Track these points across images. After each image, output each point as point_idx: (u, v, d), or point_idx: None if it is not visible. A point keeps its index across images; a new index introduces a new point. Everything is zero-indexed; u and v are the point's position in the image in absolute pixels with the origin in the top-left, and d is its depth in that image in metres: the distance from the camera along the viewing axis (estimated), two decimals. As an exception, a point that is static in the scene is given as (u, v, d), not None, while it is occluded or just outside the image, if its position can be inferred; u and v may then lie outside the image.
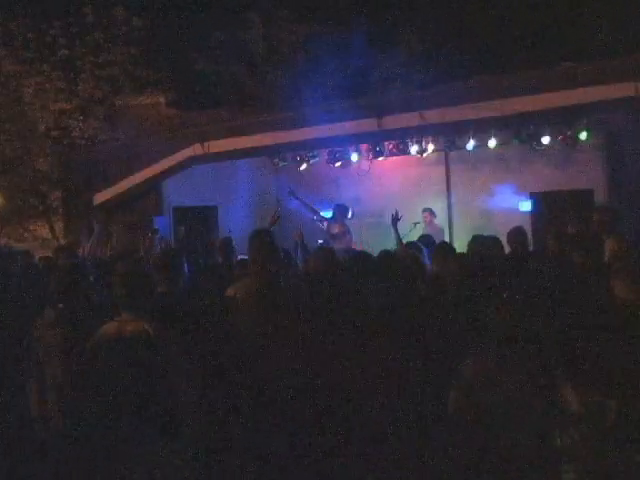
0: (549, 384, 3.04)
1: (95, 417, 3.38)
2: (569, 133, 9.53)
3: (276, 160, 12.12)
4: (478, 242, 5.55)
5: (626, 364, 3.16)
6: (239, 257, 6.12)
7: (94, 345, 3.48)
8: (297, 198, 9.68)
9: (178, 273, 4.13)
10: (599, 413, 3.12)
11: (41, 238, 13.90)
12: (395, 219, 6.54)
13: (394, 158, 11.25)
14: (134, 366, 3.33)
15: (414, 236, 7.80)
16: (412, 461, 3.18)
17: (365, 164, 11.49)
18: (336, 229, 9.18)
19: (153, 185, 11.63)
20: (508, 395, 2.97)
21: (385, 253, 4.34)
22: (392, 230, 6.37)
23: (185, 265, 4.25)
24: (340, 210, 9.52)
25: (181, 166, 11.15)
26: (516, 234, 5.97)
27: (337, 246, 7.52)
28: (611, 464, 2.99)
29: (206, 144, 10.60)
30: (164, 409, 3.32)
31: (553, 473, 3.04)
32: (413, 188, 11.32)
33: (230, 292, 4.18)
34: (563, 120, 9.13)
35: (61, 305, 3.90)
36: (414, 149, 10.52)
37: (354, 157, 11.27)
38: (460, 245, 7.18)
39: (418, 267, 4.52)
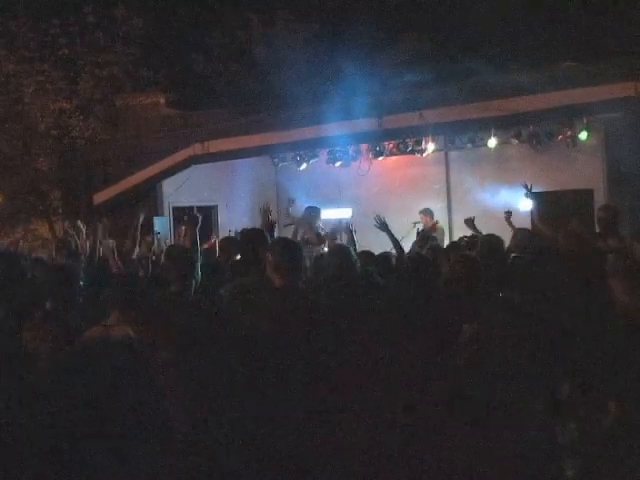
0: (549, 381, 3.06)
1: (77, 424, 3.35)
2: (569, 133, 9.53)
3: (276, 160, 12.12)
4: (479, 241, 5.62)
5: (625, 365, 3.17)
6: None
7: (77, 349, 3.44)
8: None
9: (191, 272, 4.11)
10: (599, 414, 3.13)
11: (41, 238, 13.91)
12: (382, 224, 5.97)
13: (394, 158, 11.24)
14: (116, 372, 3.30)
15: (414, 236, 7.80)
16: (414, 457, 3.17)
17: (365, 164, 11.48)
18: (305, 234, 8.54)
19: (153, 185, 11.63)
20: (509, 391, 2.97)
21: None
22: (387, 235, 5.88)
23: (198, 264, 4.24)
24: (309, 212, 9.09)
25: (181, 166, 11.15)
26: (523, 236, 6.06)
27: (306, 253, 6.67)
28: (612, 461, 2.99)
29: (206, 144, 10.60)
30: (149, 417, 3.29)
31: (554, 468, 3.04)
32: (413, 188, 11.32)
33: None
34: (563, 120, 9.13)
35: (48, 305, 3.89)
36: (414, 149, 10.51)
37: (354, 157, 11.27)
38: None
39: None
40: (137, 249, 7.14)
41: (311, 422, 3.44)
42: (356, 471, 3.27)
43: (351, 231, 6.02)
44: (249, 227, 5.82)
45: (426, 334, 3.65)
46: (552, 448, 3.03)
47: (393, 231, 5.95)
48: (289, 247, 3.74)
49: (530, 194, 6.64)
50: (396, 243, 5.76)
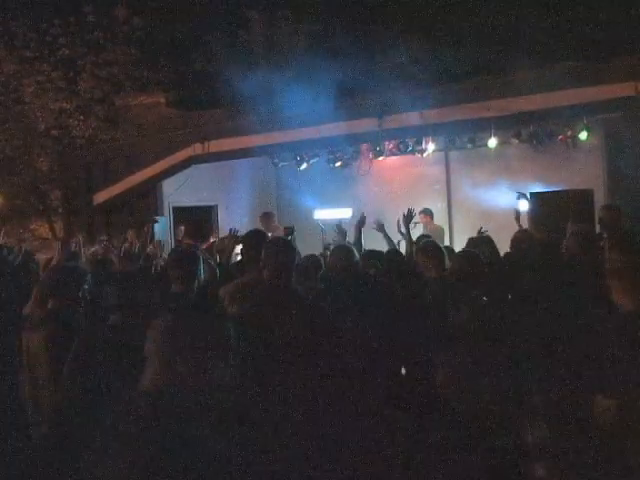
0: (518, 382, 3.07)
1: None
2: (569, 133, 9.52)
3: (276, 160, 12.11)
4: (470, 244, 5.67)
5: (626, 364, 3.17)
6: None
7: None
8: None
9: (193, 273, 4.09)
10: (599, 413, 3.13)
11: (41, 238, 13.92)
12: (408, 217, 6.26)
13: (394, 158, 11.24)
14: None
15: (413, 236, 7.79)
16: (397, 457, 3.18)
17: (365, 164, 11.48)
18: None
19: (153, 185, 11.63)
20: (479, 393, 2.98)
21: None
22: (383, 237, 6.20)
23: (201, 265, 4.21)
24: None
25: (181, 166, 11.15)
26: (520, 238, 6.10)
27: None
28: (583, 460, 3.00)
29: (206, 144, 10.60)
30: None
31: (525, 468, 3.05)
32: (413, 188, 11.32)
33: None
34: (563, 120, 9.13)
35: (50, 305, 3.88)
36: (414, 149, 10.50)
37: (354, 157, 11.26)
38: (460, 245, 7.20)
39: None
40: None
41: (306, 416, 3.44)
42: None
43: (344, 231, 6.22)
44: (250, 228, 5.86)
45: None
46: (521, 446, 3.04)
47: (393, 231, 6.11)
48: (280, 246, 3.75)
49: (522, 196, 6.75)
50: (391, 243, 5.99)
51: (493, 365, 3.06)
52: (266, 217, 9.26)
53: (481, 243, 5.91)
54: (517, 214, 7.12)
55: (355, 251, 4.64)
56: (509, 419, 3.00)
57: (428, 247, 4.65)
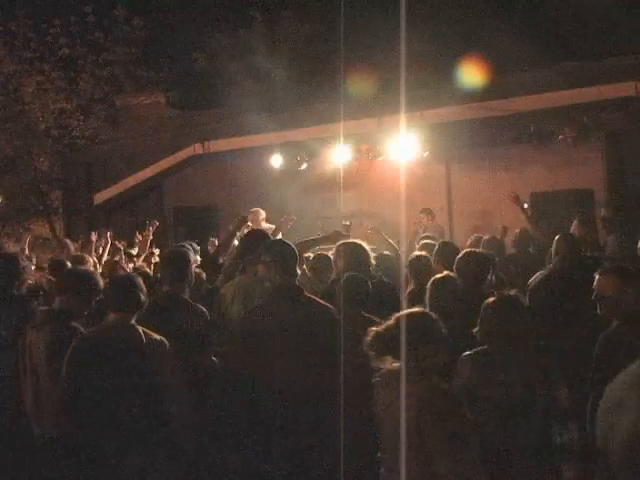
0: (545, 384, 3.06)
1: (86, 423, 3.33)
2: (569, 133, 9.52)
3: (277, 160, 12.09)
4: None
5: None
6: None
7: (80, 349, 3.41)
8: None
9: (184, 273, 4.07)
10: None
11: (41, 237, 13.90)
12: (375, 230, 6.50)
13: (394, 158, 11.22)
14: (123, 371, 3.29)
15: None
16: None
17: (365, 164, 11.46)
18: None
19: (153, 185, 11.63)
20: (506, 395, 2.97)
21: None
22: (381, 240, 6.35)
23: (192, 265, 4.20)
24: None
25: (181, 166, 11.15)
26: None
27: None
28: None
29: (206, 144, 10.60)
30: (154, 417, 3.29)
31: (553, 470, 3.05)
32: (413, 188, 11.30)
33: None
34: (563, 120, 9.13)
35: (53, 306, 3.87)
36: (415, 148, 10.48)
37: (354, 157, 11.24)
38: (460, 246, 7.20)
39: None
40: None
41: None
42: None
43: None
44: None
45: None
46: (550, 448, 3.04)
47: (392, 232, 6.19)
48: (284, 247, 3.72)
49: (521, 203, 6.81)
50: (390, 246, 6.08)
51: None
52: (254, 215, 9.07)
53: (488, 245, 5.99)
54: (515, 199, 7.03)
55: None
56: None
57: None
